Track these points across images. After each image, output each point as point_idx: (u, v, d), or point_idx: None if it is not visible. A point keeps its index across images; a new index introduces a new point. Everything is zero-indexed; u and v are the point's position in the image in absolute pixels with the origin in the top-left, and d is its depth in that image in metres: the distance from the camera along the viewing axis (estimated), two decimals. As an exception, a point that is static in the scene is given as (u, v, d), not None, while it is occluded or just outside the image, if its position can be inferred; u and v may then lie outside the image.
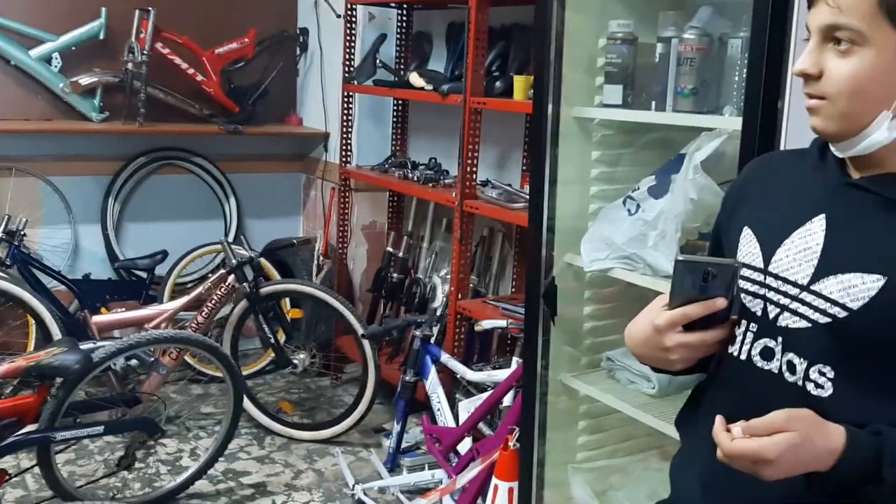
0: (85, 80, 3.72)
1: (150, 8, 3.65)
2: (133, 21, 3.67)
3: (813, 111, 1.06)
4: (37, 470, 2.68)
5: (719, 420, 1.04)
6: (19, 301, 3.26)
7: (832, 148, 1.11)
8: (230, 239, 3.94)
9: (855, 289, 1.03)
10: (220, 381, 3.75)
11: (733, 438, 1.01)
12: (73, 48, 3.72)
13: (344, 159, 3.85)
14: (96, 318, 3.31)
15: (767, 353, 1.12)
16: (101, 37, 3.73)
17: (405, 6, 3.71)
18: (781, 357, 1.10)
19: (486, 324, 2.92)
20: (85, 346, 2.58)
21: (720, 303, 1.10)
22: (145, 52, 3.65)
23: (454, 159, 3.36)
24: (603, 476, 2.31)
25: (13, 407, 2.59)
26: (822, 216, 1.10)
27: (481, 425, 2.90)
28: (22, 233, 3.55)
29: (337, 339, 3.84)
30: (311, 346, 3.57)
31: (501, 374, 2.80)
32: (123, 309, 3.61)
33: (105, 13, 3.72)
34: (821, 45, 1.03)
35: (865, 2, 0.99)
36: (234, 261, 3.28)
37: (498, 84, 3.09)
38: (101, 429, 2.57)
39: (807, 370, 1.08)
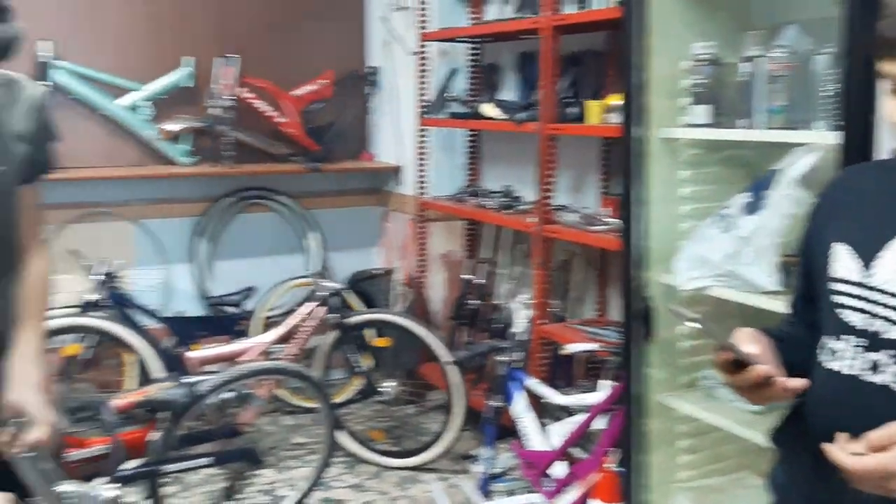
0: (174, 126, 3.91)
1: (232, 56, 3.82)
2: (217, 69, 3.85)
3: None
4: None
5: (841, 438, 1.04)
6: (119, 340, 3.42)
7: None
8: (313, 272, 4.06)
9: None
10: (309, 412, 3.87)
11: (851, 454, 1.01)
12: (165, 96, 3.90)
13: (420, 191, 3.95)
14: (193, 354, 3.44)
15: (876, 367, 1.12)
16: (190, 84, 3.91)
17: (477, 40, 3.80)
18: (890, 369, 1.11)
19: (575, 347, 2.94)
20: (189, 380, 2.70)
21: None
22: (229, 97, 3.82)
23: (527, 185, 3.43)
24: (703, 495, 2.32)
25: (133, 439, 2.72)
26: None
27: (572, 448, 2.92)
28: (118, 274, 3.72)
29: (418, 367, 3.91)
30: (398, 374, 3.64)
31: (591, 398, 2.81)
32: (215, 344, 3.75)
33: (191, 62, 3.90)
34: None
35: None
36: (323, 293, 3.38)
37: (571, 110, 3.15)
38: (211, 459, 2.67)
39: None
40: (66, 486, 1.56)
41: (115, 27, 3.83)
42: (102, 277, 3.65)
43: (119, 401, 2.57)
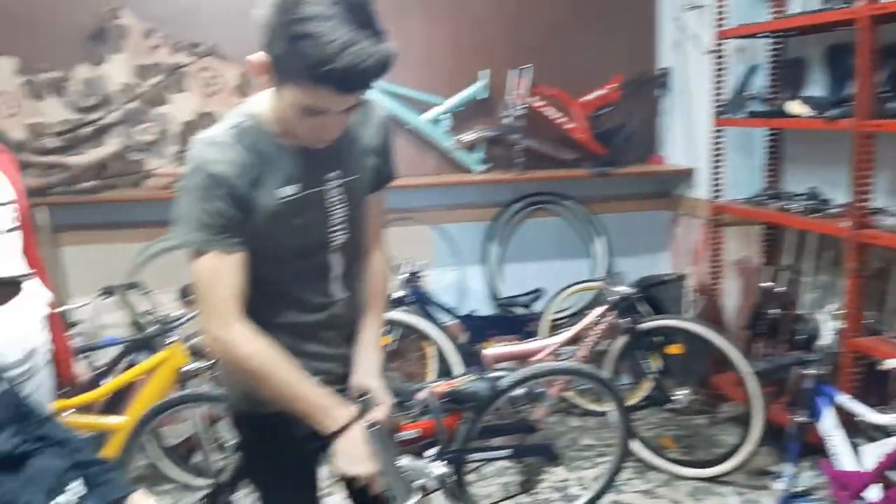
0: (469, 136, 4.13)
1: (525, 66, 3.96)
2: (510, 80, 4.01)
3: None
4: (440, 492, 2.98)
5: None
6: (422, 334, 3.69)
7: None
8: (601, 277, 4.08)
9: None
10: (593, 415, 3.90)
11: None
12: (460, 109, 4.15)
13: (714, 194, 3.82)
14: (488, 351, 3.61)
15: None
16: (483, 96, 4.12)
17: (779, 34, 3.60)
18: None
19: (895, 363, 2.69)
20: (491, 375, 2.84)
21: None
22: (522, 106, 3.96)
23: (837, 187, 3.19)
24: None
25: (432, 428, 2.93)
26: None
27: (888, 471, 2.67)
28: (419, 274, 4.01)
29: (711, 376, 3.79)
30: (690, 382, 3.55)
31: (918, 418, 2.56)
32: (504, 343, 3.91)
33: (487, 75, 4.10)
34: None
35: None
36: (613, 297, 3.40)
37: (890, 105, 2.88)
38: (509, 452, 2.79)
39: None
40: (404, 461, 1.73)
41: (419, 47, 4.13)
42: (407, 276, 3.96)
43: (431, 390, 2.76)
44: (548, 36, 4.20)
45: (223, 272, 1.57)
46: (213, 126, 1.64)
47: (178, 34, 3.84)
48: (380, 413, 1.72)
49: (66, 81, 3.68)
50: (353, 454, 1.64)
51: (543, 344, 3.60)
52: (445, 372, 3.76)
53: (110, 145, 3.71)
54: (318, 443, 1.68)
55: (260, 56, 1.48)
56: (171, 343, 3.15)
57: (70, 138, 3.65)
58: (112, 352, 3.48)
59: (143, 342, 3.43)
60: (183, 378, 3.15)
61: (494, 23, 4.17)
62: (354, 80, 1.43)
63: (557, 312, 4.17)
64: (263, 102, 1.62)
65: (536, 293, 4.00)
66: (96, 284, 3.61)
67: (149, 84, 3.73)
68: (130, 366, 3.39)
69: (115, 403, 3.40)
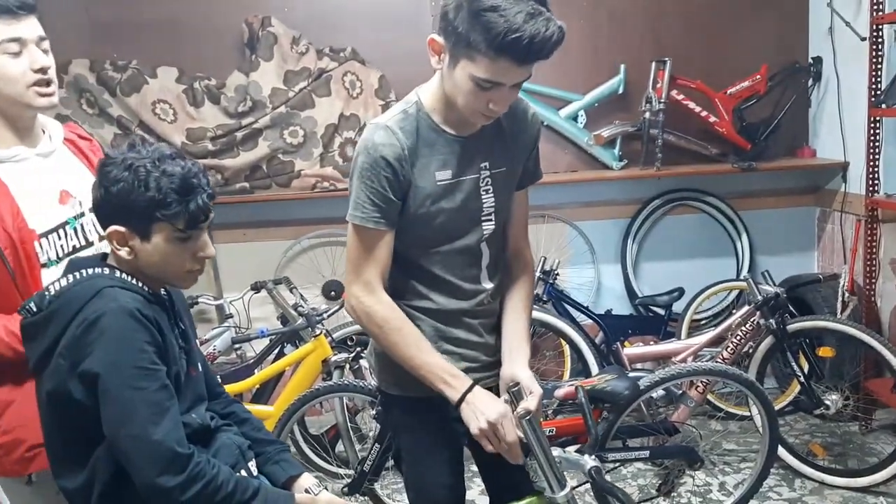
0: (606, 132, 4.08)
1: (665, 59, 3.87)
2: (649, 73, 3.93)
3: None
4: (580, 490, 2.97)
5: None
6: (560, 332, 3.68)
7: None
8: (744, 276, 3.94)
9: None
10: (739, 419, 3.77)
11: None
12: (596, 104, 4.10)
13: (871, 189, 3.61)
14: (627, 350, 3.56)
15: None
16: (620, 91, 4.06)
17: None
18: None
19: None
20: (632, 375, 2.81)
21: None
22: (662, 100, 3.87)
23: None
24: None
25: (571, 426, 2.93)
26: None
27: None
28: (555, 272, 4.00)
29: (864, 381, 3.58)
30: (843, 387, 3.37)
31: None
32: (641, 343, 3.84)
33: (623, 69, 4.04)
34: None
35: None
36: (759, 297, 3.27)
37: None
38: (646, 453, 2.75)
39: None
40: (555, 451, 1.76)
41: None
42: (541, 274, 3.95)
43: (566, 388, 2.76)
44: (688, 27, 4.09)
45: (372, 246, 1.71)
46: (381, 114, 1.80)
47: (323, 40, 3.99)
48: (531, 403, 1.75)
49: (221, 88, 3.91)
50: (477, 411, 1.69)
51: (685, 344, 3.52)
52: (580, 371, 3.74)
53: (261, 148, 3.90)
54: (466, 427, 1.73)
55: (437, 37, 1.63)
56: (316, 335, 3.29)
57: (225, 142, 3.87)
58: (262, 343, 3.67)
59: (291, 335, 3.60)
60: (327, 369, 3.28)
61: (632, 16, 4.10)
62: (537, 49, 1.53)
63: (698, 312, 4.06)
64: (428, 91, 1.74)
65: (677, 292, 3.91)
66: (247, 280, 3.81)
67: (296, 89, 3.90)
68: (279, 357, 3.58)
69: (263, 393, 3.59)
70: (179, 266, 1.58)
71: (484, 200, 1.77)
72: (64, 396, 1.49)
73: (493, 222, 1.80)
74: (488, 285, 1.84)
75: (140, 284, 1.58)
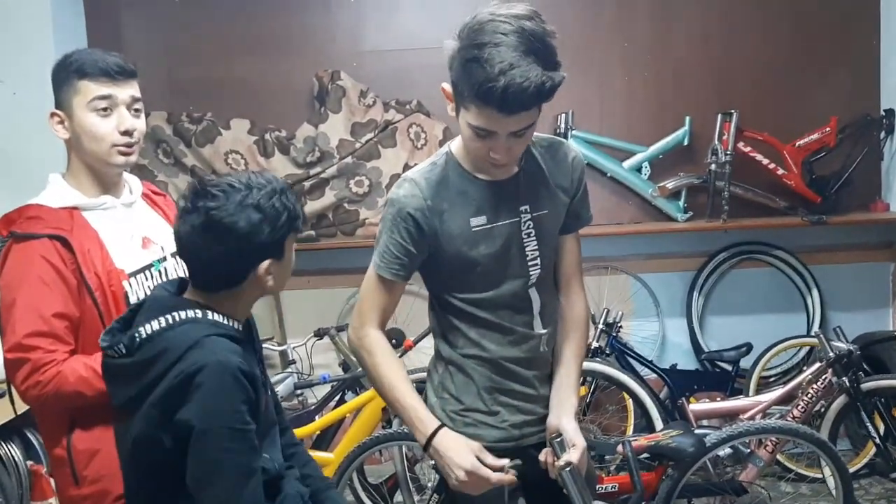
0: (671, 184, 4.04)
1: (732, 111, 3.84)
2: (715, 125, 3.90)
3: None
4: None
5: None
6: (623, 386, 3.62)
7: None
8: (815, 332, 3.82)
9: None
10: (810, 481, 3.62)
11: None
12: (661, 156, 4.08)
13: (949, 244, 3.49)
14: (693, 406, 3.48)
15: None
16: (686, 143, 4.03)
17: None
18: None
19: None
20: (698, 431, 2.74)
21: None
22: (728, 152, 3.84)
23: None
24: None
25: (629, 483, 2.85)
26: None
27: None
28: (618, 324, 3.95)
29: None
30: (922, 451, 3.22)
31: None
32: (707, 399, 3.74)
33: (689, 121, 4.02)
34: None
35: None
36: (831, 354, 3.17)
37: None
38: (714, 513, 2.66)
39: None
40: None
41: (621, 95, 4.12)
42: (604, 326, 3.91)
43: (633, 443, 2.70)
44: (756, 79, 4.06)
45: (383, 293, 1.80)
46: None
47: (389, 94, 4.09)
48: (573, 455, 1.72)
49: (290, 140, 4.02)
50: (451, 464, 1.69)
51: (753, 401, 3.42)
52: (644, 427, 3.66)
53: (328, 197, 3.99)
54: (522, 477, 1.70)
55: (446, 86, 1.69)
56: (377, 384, 3.30)
57: (294, 191, 3.97)
58: (324, 390, 3.70)
59: (352, 381, 3.62)
60: (387, 417, 3.28)
61: (697, 68, 4.09)
62: (511, 100, 1.53)
63: (767, 369, 3.95)
64: (458, 140, 1.78)
65: (745, 348, 3.81)
66: (310, 326, 3.86)
67: (363, 140, 3.99)
68: (340, 404, 3.60)
69: (324, 439, 3.60)
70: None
71: (526, 244, 1.78)
72: (152, 443, 1.48)
73: (540, 266, 1.80)
74: (541, 331, 1.83)
75: (230, 322, 1.57)
